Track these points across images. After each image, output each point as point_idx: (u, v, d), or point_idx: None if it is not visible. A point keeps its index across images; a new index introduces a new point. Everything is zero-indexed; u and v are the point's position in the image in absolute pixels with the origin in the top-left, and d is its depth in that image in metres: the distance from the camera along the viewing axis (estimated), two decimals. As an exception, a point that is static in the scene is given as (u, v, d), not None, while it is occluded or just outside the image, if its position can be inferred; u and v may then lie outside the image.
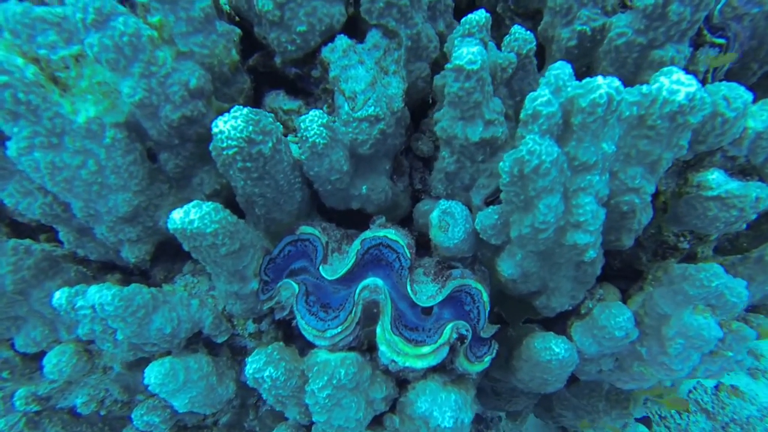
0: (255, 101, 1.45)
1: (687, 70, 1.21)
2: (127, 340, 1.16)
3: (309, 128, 1.16)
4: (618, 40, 1.14)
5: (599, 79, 0.93)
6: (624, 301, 1.48)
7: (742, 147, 1.17)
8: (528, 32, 1.22)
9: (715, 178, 1.19)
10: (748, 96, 1.05)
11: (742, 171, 1.28)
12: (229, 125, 1.05)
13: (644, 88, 1.00)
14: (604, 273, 1.36)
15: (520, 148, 1.00)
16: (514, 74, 1.26)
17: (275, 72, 1.43)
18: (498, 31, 1.55)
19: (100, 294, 1.07)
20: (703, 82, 1.24)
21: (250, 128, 1.06)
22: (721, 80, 1.26)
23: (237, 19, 1.40)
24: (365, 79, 1.20)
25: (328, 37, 1.25)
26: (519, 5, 1.41)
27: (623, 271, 1.58)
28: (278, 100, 1.39)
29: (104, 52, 1.00)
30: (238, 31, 1.26)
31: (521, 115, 1.00)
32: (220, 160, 1.11)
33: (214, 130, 1.05)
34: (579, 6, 1.18)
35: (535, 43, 1.22)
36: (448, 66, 1.05)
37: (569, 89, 0.96)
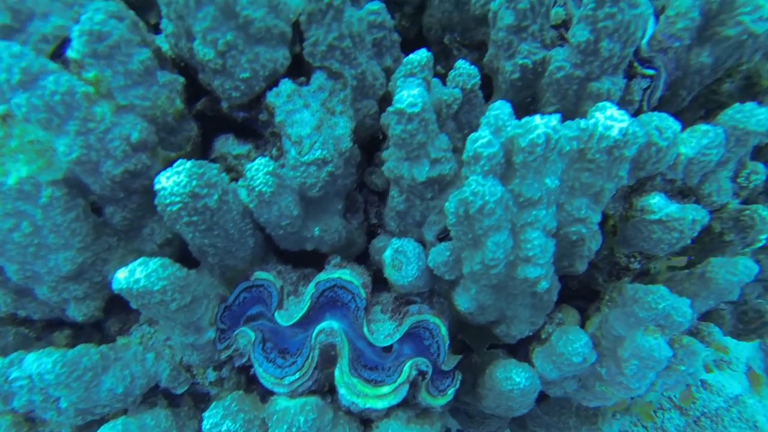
0: (204, 146, 1.41)
1: (621, 102, 1.25)
2: (73, 406, 1.09)
3: (255, 177, 1.13)
4: (557, 74, 1.15)
5: (537, 118, 0.93)
6: (583, 322, 1.49)
7: (678, 171, 1.20)
8: (472, 67, 1.22)
9: (656, 202, 1.21)
10: (677, 126, 1.07)
11: (681, 192, 1.31)
12: (172, 181, 1.01)
13: (582, 122, 1.01)
14: (563, 293, 1.37)
15: (464, 189, 0.99)
16: (461, 108, 1.26)
17: (224, 115, 1.39)
18: (446, 61, 1.56)
19: (39, 363, 1.00)
20: (639, 109, 1.27)
21: (194, 183, 1.02)
22: (655, 108, 1.30)
23: (182, 64, 1.37)
24: (310, 123, 1.18)
25: (273, 81, 1.23)
26: (465, 37, 1.41)
27: (582, 291, 1.59)
28: (227, 144, 1.36)
29: (34, 112, 0.95)
30: (182, 79, 1.22)
31: (464, 156, 0.99)
32: (165, 216, 1.06)
33: (157, 186, 1.01)
34: (519, 41, 1.19)
35: (479, 78, 1.22)
36: (390, 109, 1.04)
37: (509, 129, 0.96)
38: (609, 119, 0.97)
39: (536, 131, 0.91)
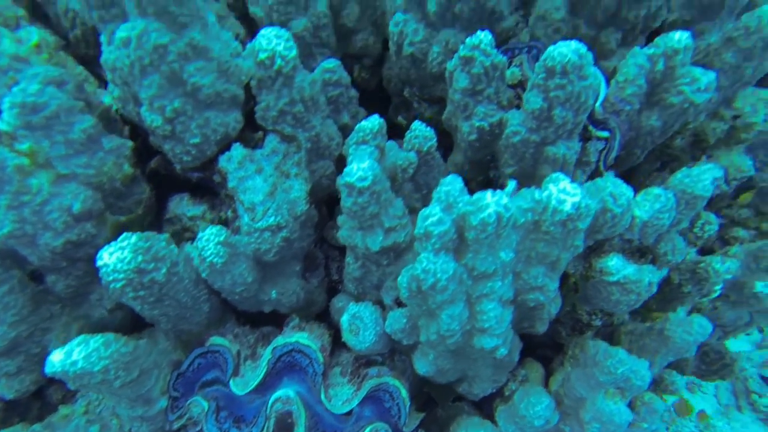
0: (160, 204, 1.34)
1: (578, 163, 1.24)
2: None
3: (206, 248, 1.08)
4: (513, 138, 1.13)
5: (488, 195, 0.90)
6: (548, 376, 1.46)
7: (634, 232, 1.18)
8: (428, 129, 1.20)
9: (614, 264, 1.19)
10: (630, 193, 1.06)
11: (640, 250, 1.30)
12: (115, 258, 0.94)
13: (536, 193, 0.99)
14: (529, 342, 1.34)
15: (416, 265, 0.96)
16: (418, 170, 1.23)
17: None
18: (408, 112, 1.54)
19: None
20: (595, 170, 1.26)
21: (140, 258, 0.96)
22: (611, 166, 1.29)
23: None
24: (263, 189, 1.14)
25: (226, 145, 1.18)
26: (423, 92, 1.39)
27: (547, 341, 1.56)
28: (182, 205, 1.30)
29: (-40, 189, 0.89)
30: (130, 144, 1.16)
31: (415, 231, 0.95)
32: (109, 291, 1.00)
33: (99, 263, 0.95)
34: (475, 103, 1.17)
35: (435, 140, 1.20)
36: (340, 181, 1.00)
37: (460, 205, 0.93)
38: (562, 192, 0.94)
39: (487, 210, 0.88)
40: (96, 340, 0.98)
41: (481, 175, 1.34)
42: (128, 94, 1.09)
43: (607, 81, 1.21)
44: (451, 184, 0.94)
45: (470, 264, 0.97)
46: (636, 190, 1.54)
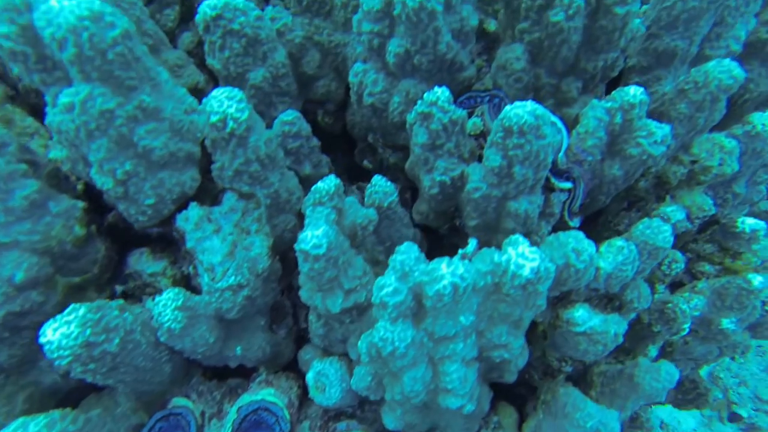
0: (121, 258, 1.29)
1: (542, 215, 1.22)
2: None
3: (162, 314, 1.03)
4: (474, 194, 1.11)
5: (443, 266, 0.87)
6: (522, 420, 1.43)
7: (600, 282, 1.16)
8: (388, 184, 1.17)
9: (580, 315, 1.17)
10: (592, 248, 1.04)
11: (607, 296, 1.28)
12: (60, 334, 0.89)
13: (496, 256, 0.96)
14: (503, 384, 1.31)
15: (373, 333, 0.93)
16: (380, 224, 1.20)
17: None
18: (374, 156, 1.51)
19: None
20: (560, 218, 1.24)
21: (88, 331, 0.91)
22: (576, 214, 1.27)
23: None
24: (221, 250, 1.10)
25: (183, 203, 1.14)
26: (387, 140, 1.37)
27: (522, 382, 1.54)
28: (141, 261, 1.25)
29: None
30: (81, 204, 1.11)
31: (372, 299, 0.92)
32: (55, 365, 0.94)
33: (42, 340, 0.89)
34: (435, 157, 1.14)
35: (395, 195, 1.17)
36: (296, 247, 0.96)
37: (416, 274, 0.90)
38: (520, 257, 0.92)
39: (442, 282, 0.85)
40: (37, 423, 0.92)
41: (447, 224, 1.31)
42: (77, 155, 1.05)
43: (570, 129, 1.19)
44: (406, 253, 0.91)
45: (430, 329, 0.95)
46: (604, 230, 1.54)
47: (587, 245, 1.05)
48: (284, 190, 1.17)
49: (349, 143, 1.54)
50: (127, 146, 0.99)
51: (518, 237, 0.97)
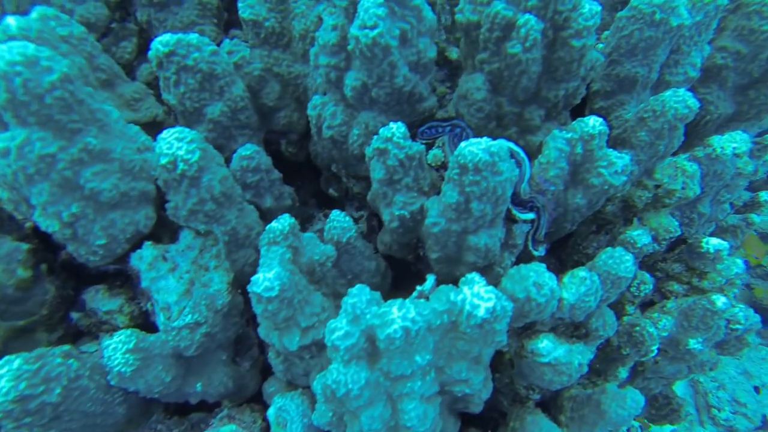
0: (77, 295, 1.24)
1: (505, 246, 1.20)
2: None
3: (112, 357, 0.99)
4: (433, 229, 1.08)
5: (395, 310, 0.84)
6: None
7: (564, 312, 1.14)
8: (347, 219, 1.14)
9: (544, 346, 1.15)
10: (553, 282, 1.02)
11: (573, 324, 1.26)
12: (-11, 389, 0.85)
13: (452, 294, 0.93)
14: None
15: (327, 375, 0.90)
16: (340, 258, 1.17)
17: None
18: (338, 184, 1.48)
19: None
20: (524, 248, 1.22)
21: (22, 385, 0.86)
22: (541, 242, 1.25)
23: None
24: (177, 289, 1.06)
25: (138, 240, 1.10)
26: (349, 170, 1.33)
27: (491, 409, 1.51)
28: (96, 299, 1.20)
29: None
30: (25, 246, 1.06)
31: (326, 340, 0.89)
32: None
33: (-35, 397, 0.85)
34: (394, 192, 1.11)
35: (354, 231, 1.14)
36: (248, 289, 0.93)
37: (368, 317, 0.87)
38: (476, 297, 0.89)
39: (392, 326, 0.82)
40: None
41: (411, 254, 1.28)
42: (18, 197, 1.00)
43: (535, 157, 1.17)
44: (358, 296, 0.87)
45: (385, 368, 0.91)
46: (573, 252, 1.52)
47: (548, 279, 1.03)
48: (242, 227, 1.13)
49: (316, 169, 1.50)
50: (72, 189, 0.95)
51: (474, 276, 0.95)
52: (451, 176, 0.99)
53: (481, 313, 0.88)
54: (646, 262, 1.61)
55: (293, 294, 0.96)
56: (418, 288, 1.03)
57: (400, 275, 1.48)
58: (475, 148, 0.92)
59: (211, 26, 1.35)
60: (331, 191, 1.46)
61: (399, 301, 0.87)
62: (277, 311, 0.94)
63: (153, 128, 1.21)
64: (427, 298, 1.01)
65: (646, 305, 1.64)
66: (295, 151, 1.42)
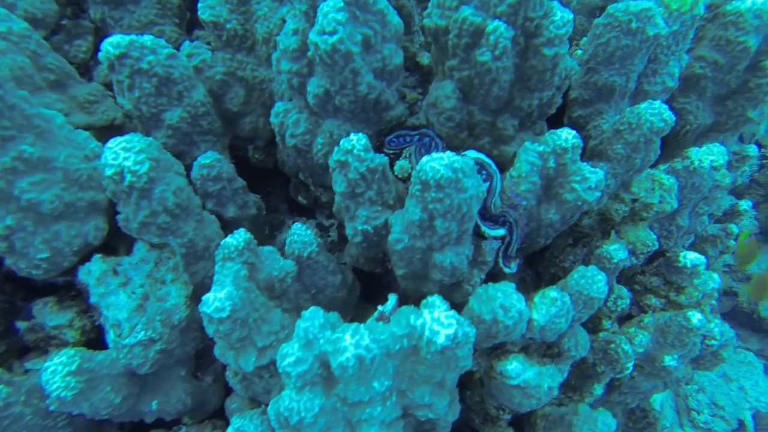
0: (24, 308, 1.17)
1: (474, 262, 1.13)
2: None
3: (50, 381, 0.91)
4: (396, 246, 1.02)
5: (347, 337, 0.78)
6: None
7: (534, 333, 1.08)
8: (308, 233, 1.07)
9: (513, 368, 1.09)
10: (521, 303, 0.96)
11: (545, 343, 1.20)
12: None
13: (412, 318, 0.87)
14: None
15: (279, 402, 0.84)
16: (302, 272, 1.10)
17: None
18: (307, 192, 1.41)
19: None
20: (495, 265, 1.16)
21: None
22: (513, 258, 1.19)
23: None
24: (128, 306, 0.99)
25: (88, 253, 1.03)
26: (315, 179, 1.27)
27: (463, 427, 1.45)
28: (44, 313, 1.12)
29: None
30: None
31: (277, 365, 0.83)
32: None
33: None
34: (356, 206, 1.05)
35: (315, 245, 1.07)
36: (199, 308, 0.86)
37: (321, 342, 0.81)
38: (435, 322, 0.83)
39: (345, 354, 0.76)
40: None
41: (378, 267, 1.22)
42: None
43: (508, 168, 1.11)
44: (311, 320, 0.81)
45: (342, 394, 0.85)
46: (550, 266, 1.46)
47: (515, 300, 0.97)
48: (201, 239, 1.06)
49: (286, 177, 1.43)
50: (6, 200, 0.88)
51: (435, 299, 0.89)
52: (414, 192, 0.93)
53: (440, 340, 0.82)
54: (625, 275, 1.56)
55: (248, 313, 0.89)
56: (379, 308, 0.97)
57: (372, 286, 1.42)
58: (436, 163, 0.86)
59: (171, 26, 1.27)
60: (300, 198, 1.39)
61: (354, 326, 0.81)
62: (230, 332, 0.88)
63: (111, 132, 1.14)
64: (388, 320, 0.95)
65: (623, 318, 1.59)
66: (262, 158, 1.35)
